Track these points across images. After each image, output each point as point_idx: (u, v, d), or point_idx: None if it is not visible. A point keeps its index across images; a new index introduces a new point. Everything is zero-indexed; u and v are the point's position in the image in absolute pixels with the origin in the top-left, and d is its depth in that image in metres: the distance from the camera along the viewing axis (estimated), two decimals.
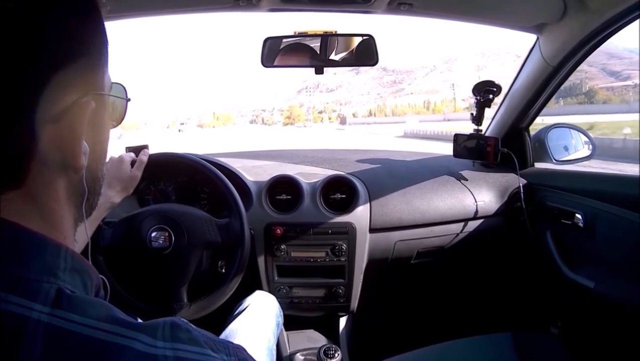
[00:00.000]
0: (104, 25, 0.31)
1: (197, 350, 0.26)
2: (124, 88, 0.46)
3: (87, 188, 0.33)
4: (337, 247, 1.11)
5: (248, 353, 0.30)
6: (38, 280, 0.25)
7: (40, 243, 0.27)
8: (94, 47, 0.30)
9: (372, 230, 1.14)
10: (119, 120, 0.43)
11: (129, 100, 0.45)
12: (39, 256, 0.26)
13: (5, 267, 0.24)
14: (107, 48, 0.32)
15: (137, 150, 0.89)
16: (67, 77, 0.27)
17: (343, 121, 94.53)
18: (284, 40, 1.02)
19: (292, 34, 1.02)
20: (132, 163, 0.86)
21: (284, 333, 1.16)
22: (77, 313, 0.24)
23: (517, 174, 1.20)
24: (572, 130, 1.30)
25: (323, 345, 0.98)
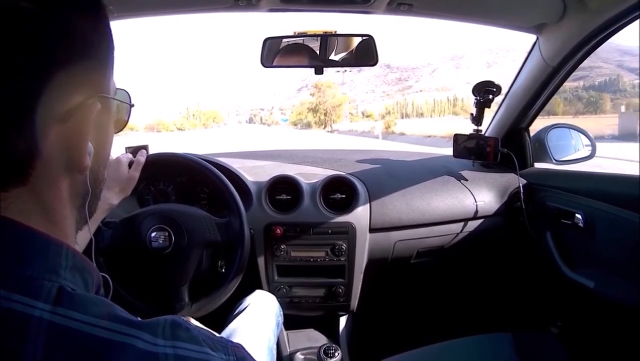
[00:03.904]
0: (110, 29, 0.32)
1: (196, 348, 0.26)
2: (128, 94, 0.47)
3: (90, 189, 0.33)
4: (337, 247, 1.11)
5: (247, 351, 0.31)
6: (40, 278, 0.25)
7: (43, 242, 0.27)
8: (101, 51, 0.31)
9: (372, 230, 1.14)
10: (122, 126, 0.43)
11: (132, 105, 0.45)
12: (41, 255, 0.26)
13: (7, 265, 0.25)
14: (113, 53, 0.32)
15: (135, 150, 0.89)
16: (75, 78, 0.28)
17: None
18: (284, 40, 1.03)
19: (291, 34, 1.02)
20: (130, 164, 0.86)
21: (284, 332, 1.16)
22: (78, 311, 0.24)
23: (517, 174, 1.20)
24: (572, 131, 1.30)
25: (323, 345, 0.99)
